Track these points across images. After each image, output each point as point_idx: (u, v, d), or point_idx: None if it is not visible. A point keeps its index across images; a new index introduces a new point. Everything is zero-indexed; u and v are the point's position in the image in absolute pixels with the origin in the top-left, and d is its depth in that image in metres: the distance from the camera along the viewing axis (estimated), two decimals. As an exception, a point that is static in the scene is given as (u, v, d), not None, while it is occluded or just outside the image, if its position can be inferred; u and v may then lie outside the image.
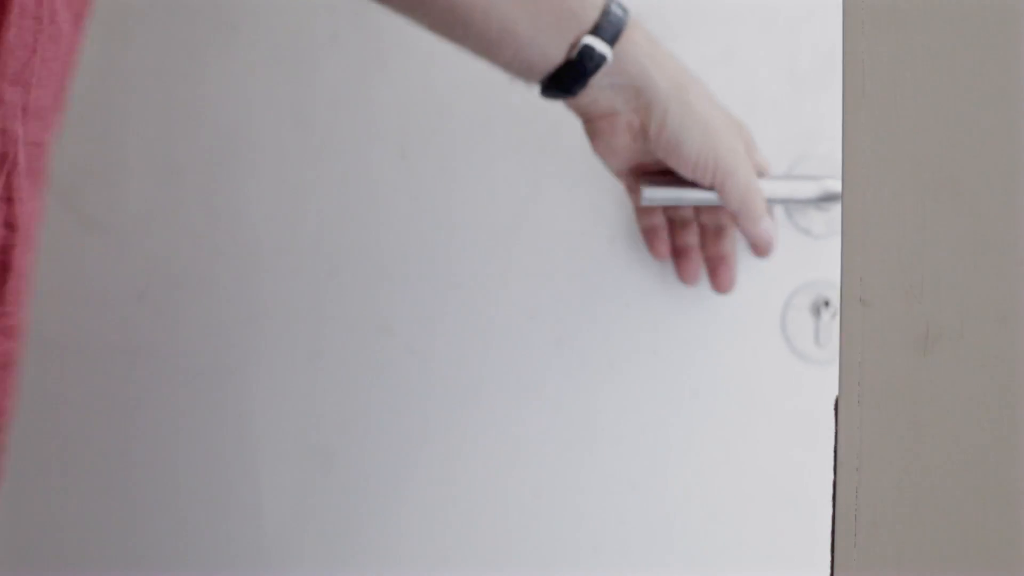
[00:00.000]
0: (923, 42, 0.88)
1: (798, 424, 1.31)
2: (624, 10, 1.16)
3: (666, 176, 1.23)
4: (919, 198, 0.87)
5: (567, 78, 1.16)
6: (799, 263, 1.36)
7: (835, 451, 0.90)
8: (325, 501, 1.34)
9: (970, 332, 0.86)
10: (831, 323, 1.30)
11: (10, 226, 0.75)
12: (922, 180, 0.87)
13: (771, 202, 1.27)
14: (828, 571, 0.90)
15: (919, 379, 0.87)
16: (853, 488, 0.89)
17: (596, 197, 1.32)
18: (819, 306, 1.31)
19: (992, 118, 0.86)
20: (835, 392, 0.90)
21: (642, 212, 1.30)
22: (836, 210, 1.30)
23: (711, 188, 1.21)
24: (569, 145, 1.30)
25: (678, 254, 1.29)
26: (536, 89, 1.22)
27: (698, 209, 1.29)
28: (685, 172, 1.18)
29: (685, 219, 1.29)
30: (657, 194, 1.20)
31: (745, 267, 1.34)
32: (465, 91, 1.33)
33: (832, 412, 0.90)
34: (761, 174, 1.26)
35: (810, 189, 1.27)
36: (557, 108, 1.26)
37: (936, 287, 0.87)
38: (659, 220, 1.29)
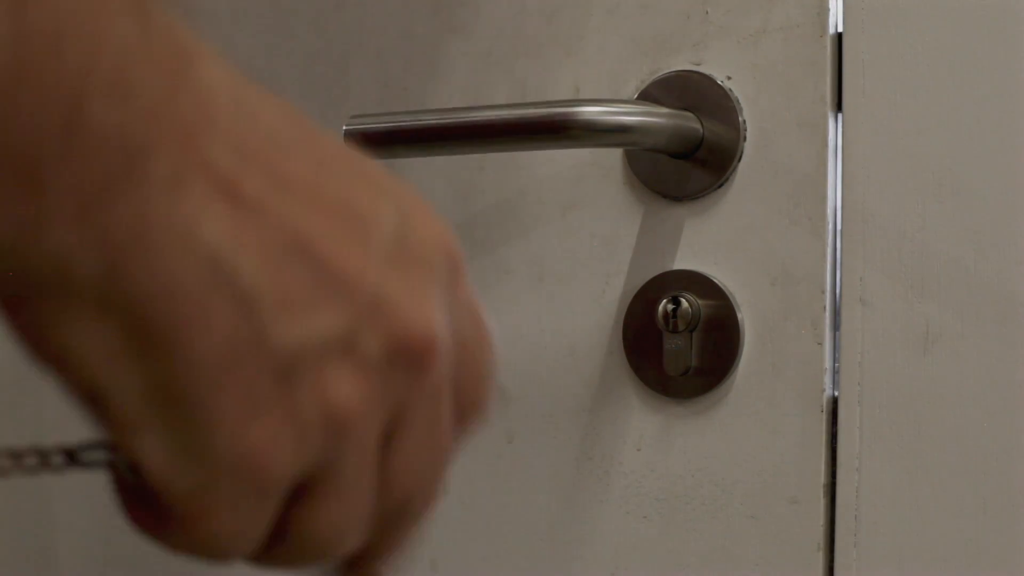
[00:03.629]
0: (923, 41, 0.87)
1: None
2: None
3: None
4: (919, 198, 0.87)
5: None
6: (648, 246, 0.97)
7: (835, 451, 0.90)
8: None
9: (970, 332, 0.86)
10: (685, 341, 0.94)
11: None
12: (922, 180, 0.87)
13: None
14: (828, 571, 0.90)
15: (919, 379, 0.87)
16: (853, 488, 0.89)
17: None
18: (666, 312, 0.94)
19: (992, 118, 0.86)
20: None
21: None
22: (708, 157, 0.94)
23: None
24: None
25: None
26: None
27: None
28: None
29: None
30: None
31: (573, 255, 1.00)
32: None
33: (830, 412, 0.90)
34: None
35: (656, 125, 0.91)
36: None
37: (936, 287, 0.87)
38: None
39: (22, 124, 0.33)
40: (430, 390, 0.41)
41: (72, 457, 0.40)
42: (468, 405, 0.43)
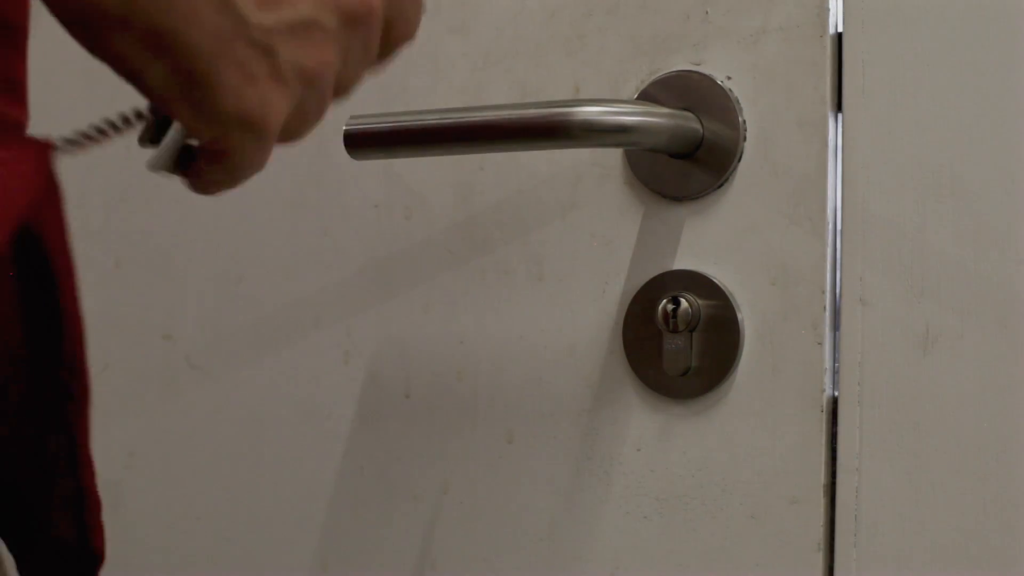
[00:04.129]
0: (922, 42, 0.87)
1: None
2: None
3: None
4: (919, 198, 0.87)
5: None
6: (648, 246, 0.98)
7: (835, 451, 0.90)
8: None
9: (970, 332, 0.86)
10: (685, 341, 0.94)
11: None
12: (922, 180, 0.87)
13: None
14: (828, 571, 0.90)
15: (919, 379, 0.87)
16: (853, 488, 0.89)
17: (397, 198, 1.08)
18: (666, 312, 0.94)
19: (992, 118, 0.86)
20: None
21: None
22: (706, 157, 0.95)
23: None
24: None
25: None
26: None
27: None
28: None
29: None
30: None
31: (573, 255, 1.01)
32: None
33: (830, 412, 0.90)
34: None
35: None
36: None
37: (936, 287, 0.87)
38: None
39: None
40: (369, 35, 0.60)
41: (141, 116, 0.59)
42: (401, 32, 0.63)
